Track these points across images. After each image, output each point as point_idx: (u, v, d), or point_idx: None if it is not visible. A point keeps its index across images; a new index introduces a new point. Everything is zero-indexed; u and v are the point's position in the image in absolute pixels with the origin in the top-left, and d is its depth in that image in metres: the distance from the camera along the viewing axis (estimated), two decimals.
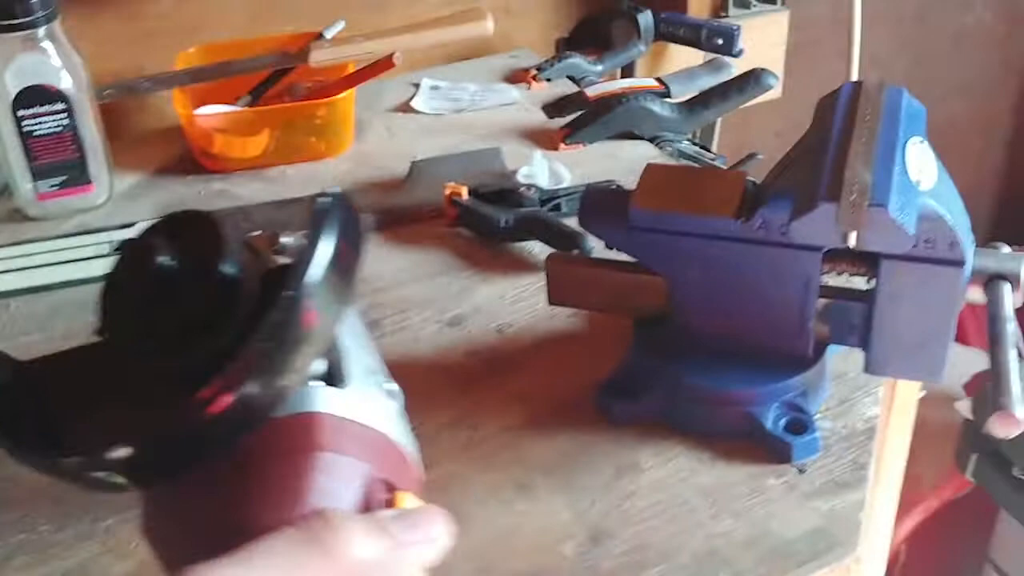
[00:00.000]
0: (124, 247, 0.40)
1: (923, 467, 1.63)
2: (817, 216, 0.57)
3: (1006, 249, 0.65)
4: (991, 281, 0.63)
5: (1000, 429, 0.53)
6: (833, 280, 0.66)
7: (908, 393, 0.84)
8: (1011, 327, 0.60)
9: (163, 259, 0.38)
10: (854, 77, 1.48)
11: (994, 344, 0.59)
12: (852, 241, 0.57)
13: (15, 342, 0.80)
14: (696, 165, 0.96)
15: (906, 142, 0.61)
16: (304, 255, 0.37)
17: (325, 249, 0.37)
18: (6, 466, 0.69)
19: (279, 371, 0.37)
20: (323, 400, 0.40)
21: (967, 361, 1.66)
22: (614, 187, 0.89)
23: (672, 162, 1.01)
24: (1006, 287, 0.63)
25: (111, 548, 0.61)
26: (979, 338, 1.89)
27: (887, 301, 0.63)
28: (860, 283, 0.65)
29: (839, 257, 0.63)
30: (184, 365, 0.37)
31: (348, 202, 0.39)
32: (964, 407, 1.47)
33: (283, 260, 0.41)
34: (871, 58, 1.71)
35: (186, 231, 0.39)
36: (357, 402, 0.41)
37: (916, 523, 1.63)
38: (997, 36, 1.88)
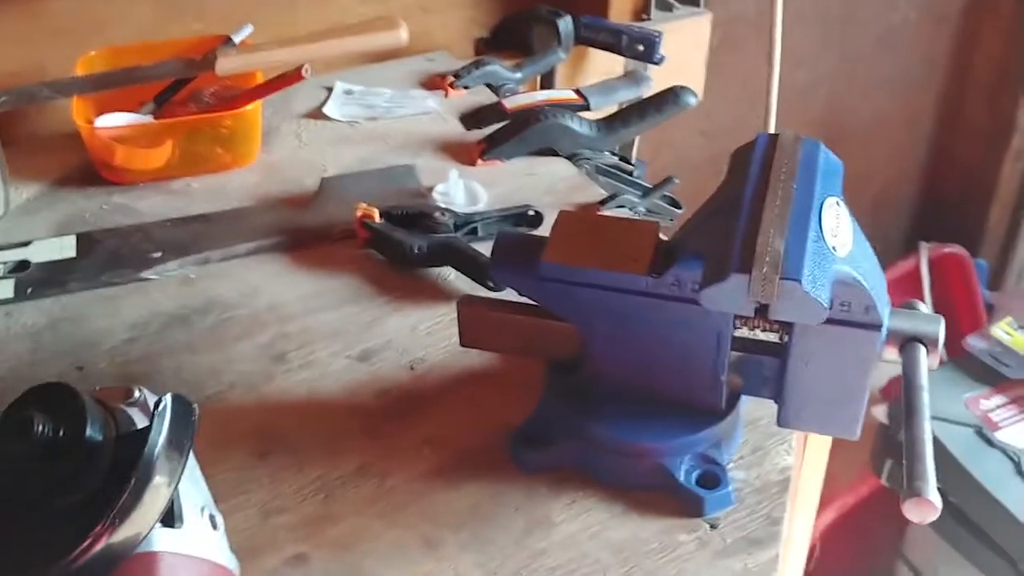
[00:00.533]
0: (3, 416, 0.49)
1: (838, 465, 1.66)
2: (729, 286, 0.56)
3: (924, 308, 0.65)
4: (907, 343, 0.63)
5: (915, 515, 0.52)
6: (748, 333, 0.65)
7: (820, 445, 0.84)
8: (925, 397, 0.59)
9: (40, 427, 0.47)
10: (775, 77, 1.48)
11: (909, 416, 0.58)
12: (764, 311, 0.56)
13: None
14: (612, 215, 0.94)
15: (822, 203, 0.60)
16: (150, 440, 0.49)
17: (163, 436, 0.49)
18: None
19: (133, 524, 0.47)
20: (161, 540, 0.49)
21: (883, 365, 1.68)
22: (524, 233, 0.87)
23: (590, 179, 1.00)
24: (922, 350, 0.62)
25: None
26: None
27: (799, 359, 0.63)
28: (775, 337, 0.65)
29: (752, 316, 0.62)
30: (56, 515, 0.46)
31: (182, 403, 0.52)
32: (880, 412, 1.50)
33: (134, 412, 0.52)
34: (797, 57, 1.71)
35: (55, 400, 0.49)
36: (190, 538, 0.52)
37: (831, 519, 1.66)
38: (923, 34, 1.90)
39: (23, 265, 0.88)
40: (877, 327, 0.60)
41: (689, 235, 0.63)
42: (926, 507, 0.52)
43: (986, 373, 1.56)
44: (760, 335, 0.65)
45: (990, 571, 1.48)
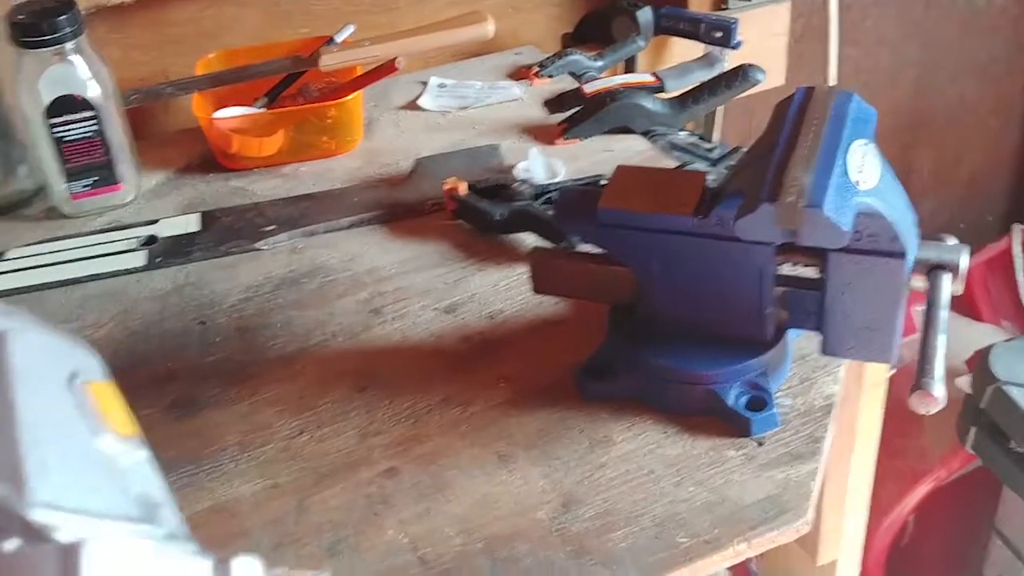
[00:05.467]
0: None
1: (929, 440, 1.68)
2: (759, 216, 0.63)
3: (952, 241, 0.70)
4: (933, 270, 0.69)
5: (919, 406, 0.58)
6: (790, 270, 0.72)
7: (879, 369, 0.90)
8: (944, 314, 0.65)
9: None
10: (833, 64, 1.53)
11: (927, 328, 0.64)
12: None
13: None
14: (669, 162, 1.01)
15: (850, 144, 0.66)
16: None
17: None
18: None
19: None
20: None
21: (972, 337, 1.70)
22: (588, 187, 0.95)
23: (665, 155, 1.07)
24: (946, 276, 0.68)
25: None
26: (990, 313, 1.93)
27: (836, 290, 0.69)
28: (814, 272, 0.71)
29: (792, 250, 0.69)
30: None
31: None
32: (964, 382, 1.52)
33: None
34: (879, 41, 1.75)
35: None
36: None
37: (924, 494, 1.68)
38: (1009, 17, 1.91)
39: (152, 239, 0.99)
40: (902, 255, 0.66)
41: (731, 178, 0.70)
42: (928, 399, 0.58)
43: None
44: (800, 271, 0.71)
45: None
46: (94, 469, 0.29)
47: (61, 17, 0.95)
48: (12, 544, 0.24)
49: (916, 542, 1.66)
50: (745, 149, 1.06)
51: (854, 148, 0.67)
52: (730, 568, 1.00)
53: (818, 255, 0.69)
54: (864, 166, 0.66)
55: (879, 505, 1.29)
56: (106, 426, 0.29)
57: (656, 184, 0.73)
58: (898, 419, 1.03)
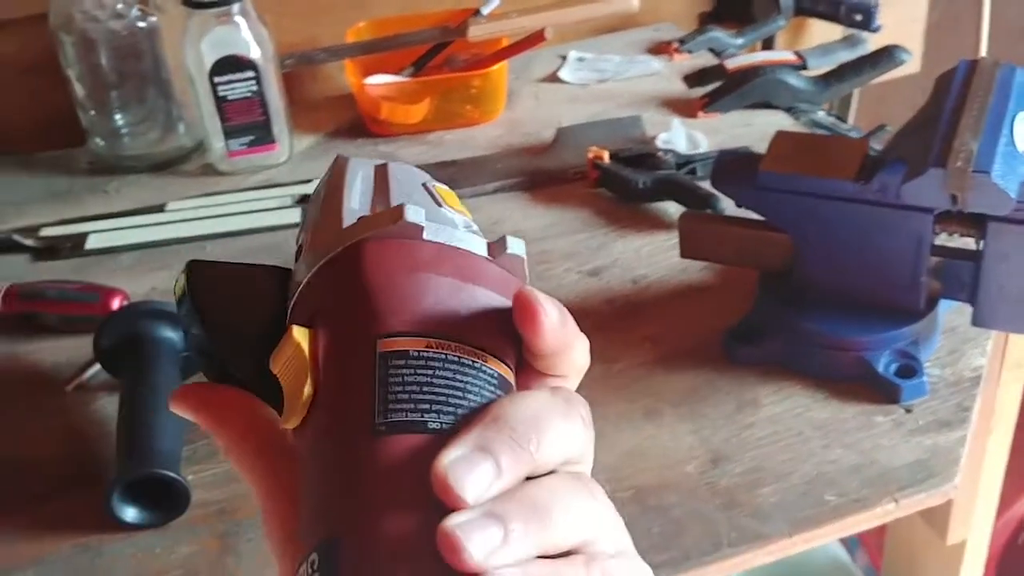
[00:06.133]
0: None
1: None
2: (926, 180, 0.63)
3: None
4: None
5: None
6: (945, 241, 0.72)
7: (1021, 348, 0.89)
8: None
9: None
10: (983, 51, 1.50)
11: None
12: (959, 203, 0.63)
13: None
14: (824, 134, 1.02)
15: (1016, 115, 0.67)
16: None
17: None
18: None
19: None
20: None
21: None
22: (745, 152, 0.96)
23: (802, 128, 1.07)
24: None
25: None
26: None
27: (994, 260, 0.69)
28: (970, 244, 0.71)
29: (950, 220, 0.70)
30: None
31: None
32: None
33: None
34: (1019, 32, 1.71)
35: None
36: None
37: None
38: None
39: (306, 198, 1.04)
40: None
41: (894, 146, 0.71)
42: None
43: None
44: (957, 241, 0.72)
45: None
46: None
47: None
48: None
49: None
50: (890, 128, 1.07)
51: (1020, 118, 0.67)
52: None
53: (977, 224, 0.69)
54: None
55: (1000, 499, 1.27)
56: (451, 208, 0.37)
57: (816, 150, 0.74)
58: None
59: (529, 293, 0.33)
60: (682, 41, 1.24)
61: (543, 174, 1.04)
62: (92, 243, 0.99)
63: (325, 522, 0.30)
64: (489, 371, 0.33)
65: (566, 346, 0.34)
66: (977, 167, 0.62)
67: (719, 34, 1.25)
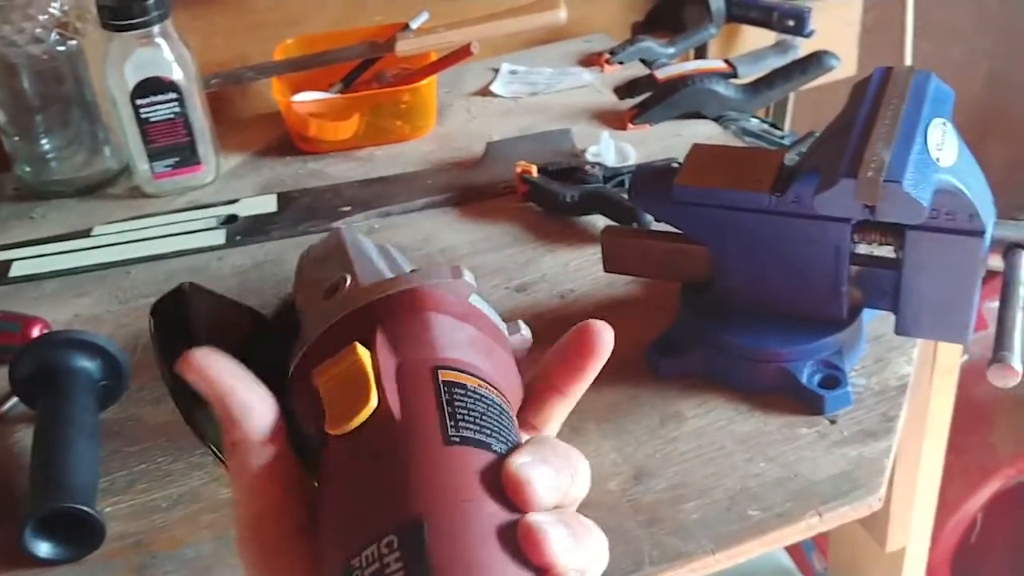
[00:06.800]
0: None
1: (999, 437, 1.66)
2: (839, 191, 0.63)
3: None
4: (1010, 249, 0.68)
5: (998, 379, 0.58)
6: (867, 250, 0.72)
7: (950, 355, 0.89)
8: (1021, 291, 0.65)
9: None
10: (908, 56, 1.52)
11: (1003, 304, 0.64)
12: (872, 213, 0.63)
13: (135, 304, 0.91)
14: (741, 145, 1.02)
15: (929, 123, 0.66)
16: None
17: None
18: (127, 408, 0.79)
19: None
20: None
21: None
22: (663, 166, 0.96)
23: (736, 140, 1.07)
24: (1023, 255, 0.68)
25: (217, 477, 0.71)
26: None
27: (913, 268, 0.69)
28: (891, 252, 0.71)
29: (869, 228, 0.69)
30: None
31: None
32: None
33: None
34: (953, 33, 1.73)
35: None
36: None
37: (993, 493, 1.66)
38: None
39: (232, 218, 1.02)
40: (980, 233, 0.66)
41: (808, 156, 0.70)
42: (1008, 371, 0.58)
43: None
44: (876, 250, 0.71)
45: None
46: None
47: (149, 1, 0.98)
48: None
49: (984, 541, 1.63)
50: (818, 133, 1.07)
51: (933, 126, 0.67)
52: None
53: (895, 233, 0.69)
54: (943, 144, 0.66)
55: (947, 502, 1.27)
56: None
57: (732, 162, 0.73)
58: (967, 416, 1.03)
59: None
60: (613, 52, 1.23)
61: (472, 189, 1.03)
62: (16, 271, 0.97)
63: (401, 508, 0.33)
64: (513, 418, 0.39)
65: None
66: (888, 176, 0.62)
67: (651, 44, 1.24)
